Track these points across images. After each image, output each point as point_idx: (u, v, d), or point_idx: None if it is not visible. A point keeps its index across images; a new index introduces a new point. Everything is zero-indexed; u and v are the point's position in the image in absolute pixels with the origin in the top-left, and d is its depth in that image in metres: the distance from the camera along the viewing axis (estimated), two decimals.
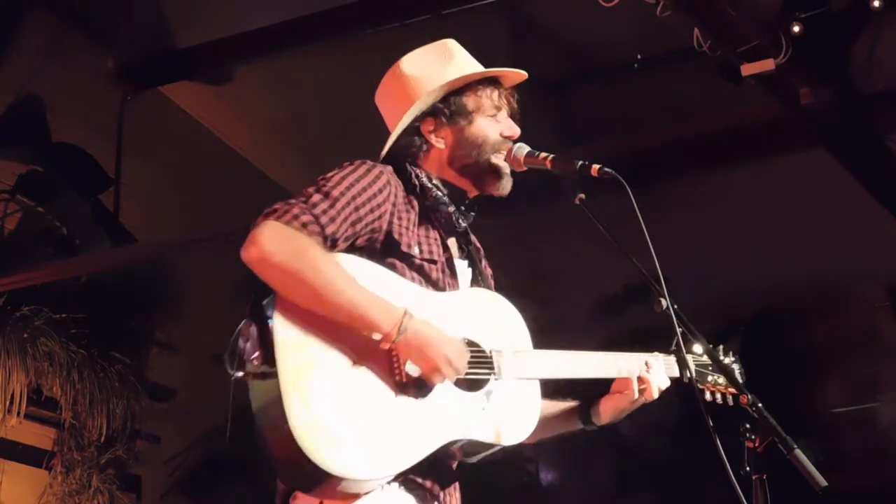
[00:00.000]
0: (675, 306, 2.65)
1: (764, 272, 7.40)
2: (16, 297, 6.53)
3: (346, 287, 2.50)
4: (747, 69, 4.85)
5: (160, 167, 7.36)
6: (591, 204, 2.75)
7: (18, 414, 6.36)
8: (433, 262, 2.76)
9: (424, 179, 2.83)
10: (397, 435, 2.51)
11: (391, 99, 2.90)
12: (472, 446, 2.69)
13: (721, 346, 3.14)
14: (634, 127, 6.03)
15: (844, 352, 7.70)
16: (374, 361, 2.53)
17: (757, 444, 2.52)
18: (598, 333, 7.14)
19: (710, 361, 3.07)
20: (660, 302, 2.64)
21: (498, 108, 2.90)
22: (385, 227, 2.69)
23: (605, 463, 8.00)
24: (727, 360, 3.14)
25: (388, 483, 2.53)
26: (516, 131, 2.91)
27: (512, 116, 2.94)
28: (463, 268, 2.88)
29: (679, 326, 2.69)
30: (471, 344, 2.68)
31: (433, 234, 2.81)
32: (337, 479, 2.43)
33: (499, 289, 2.94)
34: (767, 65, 4.81)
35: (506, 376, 2.72)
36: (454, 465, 2.76)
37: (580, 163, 2.75)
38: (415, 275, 2.71)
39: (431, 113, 2.86)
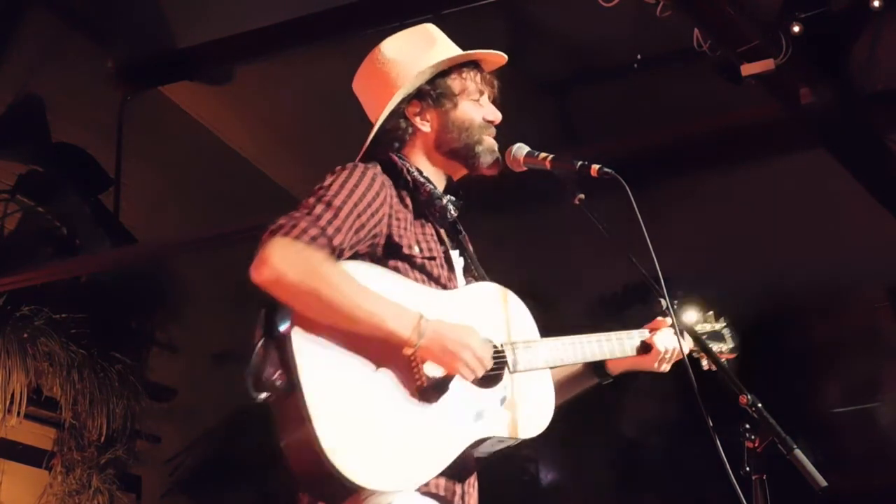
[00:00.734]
0: (675, 306, 2.66)
1: (764, 272, 7.40)
2: (16, 297, 6.52)
3: (364, 299, 2.48)
4: (747, 69, 4.85)
5: (160, 167, 7.36)
6: (591, 204, 2.75)
7: (18, 414, 6.35)
8: (433, 258, 2.75)
9: (416, 174, 2.81)
10: (425, 442, 2.52)
11: (375, 83, 2.86)
12: (493, 443, 2.68)
13: (712, 312, 3.22)
14: (634, 127, 6.02)
15: (844, 352, 7.69)
16: (393, 368, 2.53)
17: (757, 444, 2.51)
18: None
19: (705, 333, 3.16)
20: (660, 302, 2.66)
21: (481, 92, 2.88)
22: (385, 230, 2.68)
23: (605, 463, 7.99)
24: (719, 326, 3.22)
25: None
26: (498, 116, 2.90)
27: (493, 102, 2.92)
28: (455, 257, 2.87)
29: (678, 325, 2.71)
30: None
31: (429, 229, 2.80)
32: (369, 492, 2.43)
33: None
34: (767, 65, 4.80)
35: (520, 368, 2.71)
36: (473, 457, 2.74)
37: (580, 163, 2.74)
38: (418, 274, 2.70)
39: (416, 96, 2.84)
